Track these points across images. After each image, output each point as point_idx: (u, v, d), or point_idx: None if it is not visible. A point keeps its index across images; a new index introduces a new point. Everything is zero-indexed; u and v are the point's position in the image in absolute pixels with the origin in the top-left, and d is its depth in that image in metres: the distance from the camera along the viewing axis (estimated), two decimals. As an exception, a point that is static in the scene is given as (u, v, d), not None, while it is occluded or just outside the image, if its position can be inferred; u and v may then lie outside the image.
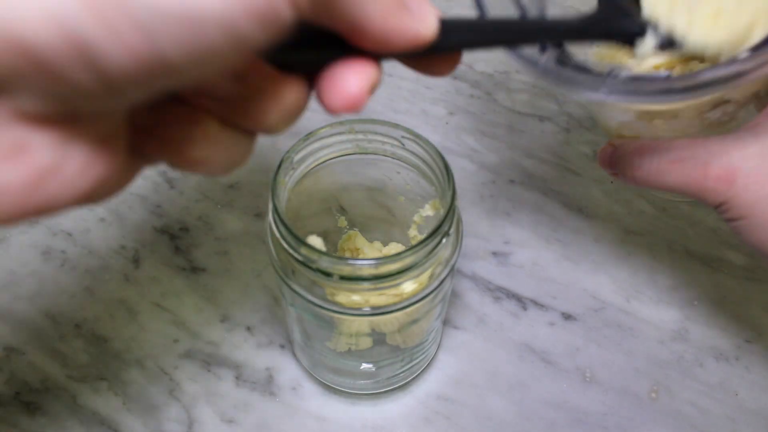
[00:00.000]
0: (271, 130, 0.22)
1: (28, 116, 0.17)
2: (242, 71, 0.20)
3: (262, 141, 0.54)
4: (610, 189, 0.49)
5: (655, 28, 0.30)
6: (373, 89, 0.21)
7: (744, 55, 0.29)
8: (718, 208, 0.31)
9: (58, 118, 0.17)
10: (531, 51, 0.32)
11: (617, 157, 0.35)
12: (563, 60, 0.33)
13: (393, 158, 0.36)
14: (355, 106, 0.21)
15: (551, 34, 0.28)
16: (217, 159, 0.21)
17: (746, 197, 0.30)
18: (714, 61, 0.31)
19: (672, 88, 0.28)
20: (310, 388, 0.41)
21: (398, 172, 0.37)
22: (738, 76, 0.27)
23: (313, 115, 0.56)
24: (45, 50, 0.15)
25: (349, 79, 0.21)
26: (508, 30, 0.26)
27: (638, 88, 0.29)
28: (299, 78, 0.21)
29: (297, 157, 0.34)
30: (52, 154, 0.17)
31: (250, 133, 0.22)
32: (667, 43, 0.30)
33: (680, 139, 0.33)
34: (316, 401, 0.40)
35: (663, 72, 0.32)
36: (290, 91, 0.21)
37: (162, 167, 0.50)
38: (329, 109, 0.21)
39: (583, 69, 0.32)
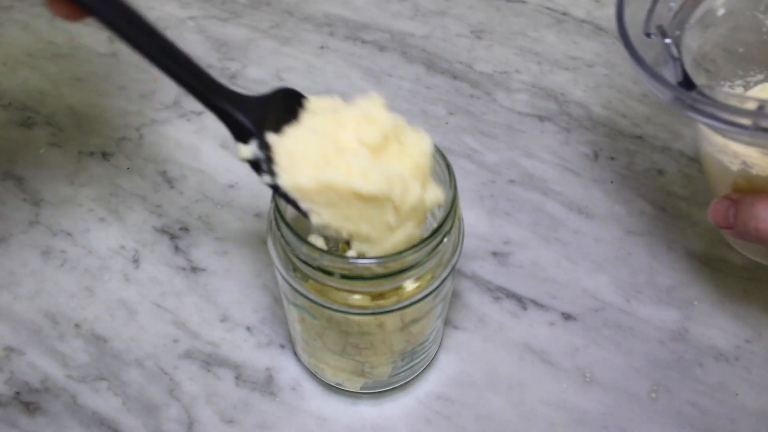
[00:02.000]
0: None
1: None
2: None
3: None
4: (610, 189, 0.50)
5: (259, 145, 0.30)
6: None
7: None
8: None
9: None
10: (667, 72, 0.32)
11: (739, 209, 0.35)
12: (688, 84, 0.33)
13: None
14: None
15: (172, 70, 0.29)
16: None
17: None
18: None
19: None
20: (310, 388, 0.41)
21: (399, 172, 0.37)
22: None
23: (313, 115, 0.56)
24: None
25: None
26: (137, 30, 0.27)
27: None
28: None
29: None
30: None
31: None
32: None
33: None
34: (316, 401, 0.40)
35: None
36: None
37: (162, 167, 0.50)
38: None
39: (719, 103, 0.31)
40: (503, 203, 0.49)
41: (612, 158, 0.51)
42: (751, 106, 0.30)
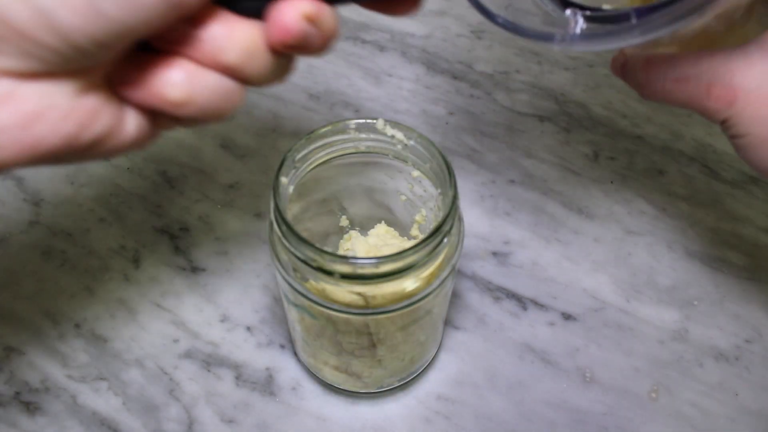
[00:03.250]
0: (239, 73, 0.25)
1: (13, 72, 0.21)
2: (195, 15, 0.23)
3: (262, 141, 0.55)
4: (610, 189, 0.50)
5: None
6: (311, 20, 0.23)
7: None
8: (722, 125, 0.32)
9: (38, 72, 0.22)
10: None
11: (628, 71, 0.35)
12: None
13: (394, 158, 0.36)
14: (289, 34, 0.23)
15: None
16: (199, 100, 0.24)
17: (748, 115, 0.31)
18: None
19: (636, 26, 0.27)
20: (310, 388, 0.41)
21: (399, 171, 0.37)
22: None
23: (313, 115, 0.57)
24: (18, 20, 0.20)
25: (284, 10, 0.23)
26: None
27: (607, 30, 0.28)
28: (249, 18, 0.24)
29: (298, 157, 0.34)
30: (36, 102, 0.22)
31: (229, 77, 0.25)
32: None
33: (686, 54, 0.32)
34: (316, 401, 0.40)
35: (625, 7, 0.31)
36: (240, 30, 0.24)
37: (162, 167, 0.50)
38: (271, 43, 0.24)
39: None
40: (503, 203, 0.49)
41: (612, 158, 0.51)
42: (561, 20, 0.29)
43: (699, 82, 0.31)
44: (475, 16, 0.63)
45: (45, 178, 0.50)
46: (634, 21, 0.27)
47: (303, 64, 0.58)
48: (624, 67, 0.35)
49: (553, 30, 0.29)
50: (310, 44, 0.24)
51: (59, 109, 0.22)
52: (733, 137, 0.32)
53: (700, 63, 0.32)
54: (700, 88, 0.31)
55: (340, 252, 0.40)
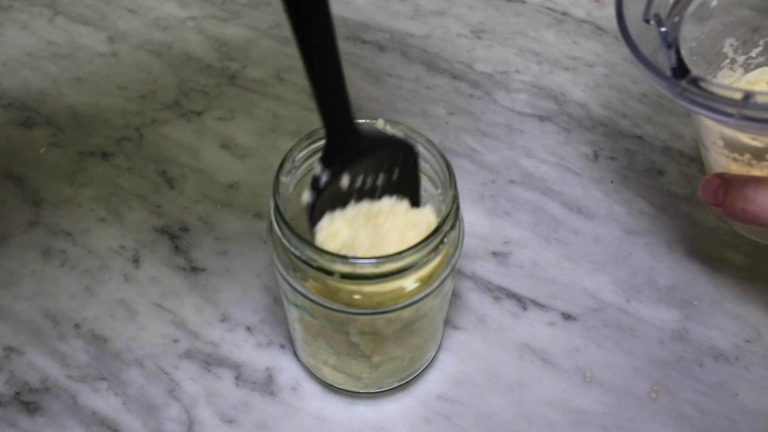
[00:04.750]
0: None
1: None
2: None
3: (262, 141, 0.55)
4: (610, 189, 0.50)
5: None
6: None
7: None
8: None
9: None
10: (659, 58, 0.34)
11: (729, 188, 0.36)
12: (681, 72, 0.34)
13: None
14: None
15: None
16: None
17: None
18: None
19: None
20: (310, 388, 0.41)
21: (399, 172, 0.37)
22: None
23: (313, 115, 0.57)
24: None
25: None
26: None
27: None
28: None
29: (298, 157, 0.34)
30: None
31: None
32: None
33: None
34: (316, 401, 0.40)
35: None
36: None
37: (162, 167, 0.50)
38: None
39: (708, 92, 0.32)
40: (503, 203, 0.49)
41: (612, 158, 0.51)
42: (737, 96, 0.31)
43: None
44: (476, 16, 0.63)
45: (45, 178, 0.50)
46: None
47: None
48: (721, 187, 0.37)
49: (733, 110, 0.31)
50: None
51: None
52: None
53: None
54: None
55: None
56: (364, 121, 0.34)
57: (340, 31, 0.60)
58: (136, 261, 0.46)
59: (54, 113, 0.54)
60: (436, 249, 0.31)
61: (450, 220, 0.31)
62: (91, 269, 0.45)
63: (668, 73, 0.34)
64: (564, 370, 0.41)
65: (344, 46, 0.59)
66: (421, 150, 0.35)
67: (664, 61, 0.35)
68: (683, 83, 0.33)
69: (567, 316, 0.43)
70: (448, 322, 0.43)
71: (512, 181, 0.50)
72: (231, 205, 0.49)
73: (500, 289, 0.45)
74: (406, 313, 0.33)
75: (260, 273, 0.45)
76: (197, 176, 0.50)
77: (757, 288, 0.45)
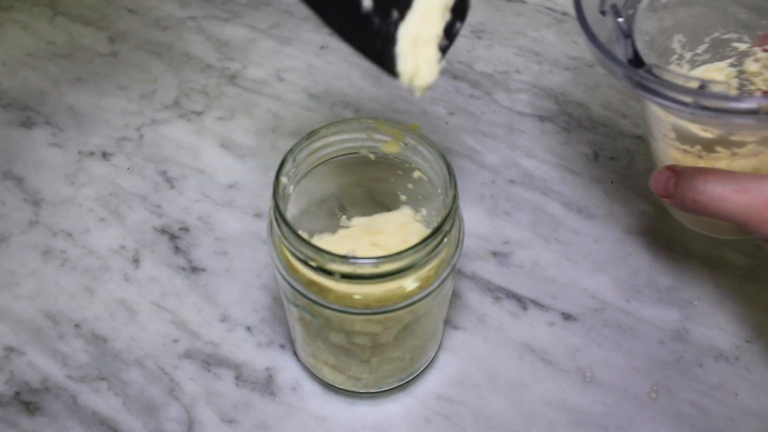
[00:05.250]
0: None
1: None
2: None
3: (262, 141, 0.55)
4: (610, 189, 0.50)
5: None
6: None
7: None
8: None
9: None
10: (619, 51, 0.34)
11: (679, 179, 0.36)
12: (637, 62, 0.35)
13: (394, 157, 0.36)
14: None
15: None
16: None
17: None
18: None
19: (765, 109, 0.29)
20: (310, 388, 0.41)
21: (400, 172, 0.37)
22: None
23: (313, 115, 0.57)
24: None
25: None
26: None
27: (729, 105, 0.30)
28: None
29: (298, 157, 0.34)
30: None
31: None
32: None
33: (747, 173, 0.34)
34: (316, 401, 0.40)
35: (757, 95, 0.33)
36: None
37: (162, 167, 0.50)
38: None
39: (662, 78, 0.33)
40: (503, 203, 0.49)
41: (612, 158, 0.51)
42: (693, 85, 0.32)
43: (759, 194, 0.33)
44: (476, 16, 0.63)
45: (45, 178, 0.50)
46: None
47: (303, 64, 0.58)
48: (671, 179, 0.37)
49: (689, 99, 0.31)
50: None
51: None
52: None
53: (761, 180, 0.33)
54: (759, 199, 0.33)
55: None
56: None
57: (340, 31, 0.60)
58: (136, 261, 0.46)
59: (54, 113, 0.54)
60: (436, 249, 0.31)
61: (450, 220, 0.31)
62: (91, 269, 0.45)
63: (624, 62, 0.35)
64: (564, 370, 0.41)
65: (344, 46, 0.59)
66: (421, 150, 0.35)
67: (621, 51, 0.36)
68: (641, 72, 0.33)
69: (567, 316, 0.43)
70: (448, 322, 0.43)
71: (512, 181, 0.50)
72: (231, 205, 0.49)
73: (500, 289, 0.45)
74: (406, 313, 0.33)
75: (260, 273, 0.45)
76: (197, 176, 0.50)
77: (757, 288, 0.45)
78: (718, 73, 0.43)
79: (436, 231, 0.31)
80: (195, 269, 0.45)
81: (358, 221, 0.38)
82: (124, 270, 0.45)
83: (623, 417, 0.40)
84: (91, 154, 0.52)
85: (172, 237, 0.47)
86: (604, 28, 0.36)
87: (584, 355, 0.42)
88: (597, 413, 0.40)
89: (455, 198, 0.32)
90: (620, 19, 0.37)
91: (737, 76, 0.43)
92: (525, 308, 0.44)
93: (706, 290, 0.45)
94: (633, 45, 0.36)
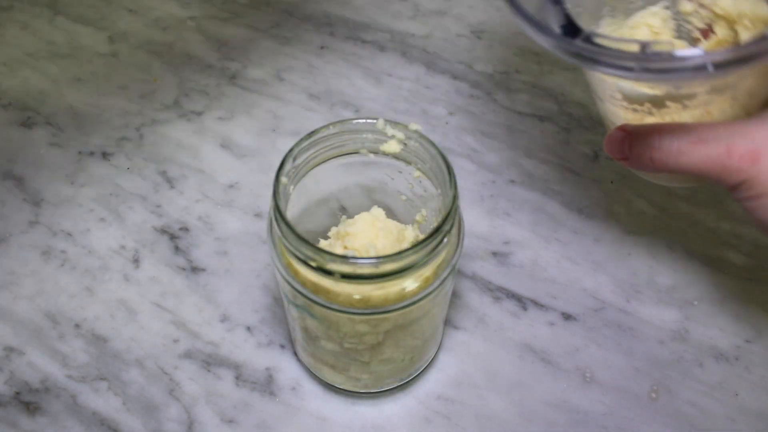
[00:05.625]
0: None
1: None
2: None
3: (262, 141, 0.55)
4: (610, 189, 0.50)
5: None
6: None
7: None
8: (738, 187, 0.32)
9: None
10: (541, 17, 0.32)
11: (633, 139, 0.35)
12: (572, 30, 0.32)
13: (394, 158, 0.36)
14: None
15: None
16: None
17: None
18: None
19: (711, 62, 0.28)
20: (310, 388, 0.41)
21: (400, 172, 0.37)
22: None
23: (313, 115, 0.57)
24: None
25: None
26: None
27: (675, 65, 0.28)
28: None
29: (298, 157, 0.34)
30: None
31: None
32: None
33: (701, 123, 0.33)
34: (316, 401, 0.40)
35: (697, 49, 0.31)
36: None
37: (162, 167, 0.50)
38: None
39: (601, 45, 0.31)
40: (503, 203, 0.49)
41: (612, 158, 0.51)
42: (634, 48, 0.30)
43: (718, 143, 0.32)
44: (476, 16, 0.63)
45: (45, 178, 0.50)
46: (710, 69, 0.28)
47: (303, 64, 0.58)
48: (626, 139, 0.35)
49: (632, 64, 0.29)
50: None
51: None
52: (749, 199, 0.32)
53: (717, 128, 0.32)
54: (719, 148, 0.32)
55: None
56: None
57: (340, 31, 0.60)
58: (136, 261, 0.46)
59: (54, 113, 0.54)
60: (436, 249, 0.31)
61: (450, 220, 0.31)
62: (91, 269, 0.45)
63: (557, 31, 0.32)
64: (564, 370, 0.41)
65: (344, 46, 0.59)
66: (421, 150, 0.35)
67: (551, 19, 0.33)
68: (578, 42, 0.31)
69: (567, 316, 0.43)
70: (448, 322, 0.43)
71: (512, 181, 0.50)
72: (231, 205, 0.49)
73: (500, 289, 0.45)
74: (406, 313, 0.33)
75: (260, 273, 0.45)
76: (197, 176, 0.50)
77: (757, 288, 0.45)
78: (653, 18, 0.41)
79: (436, 231, 0.31)
80: (195, 269, 0.45)
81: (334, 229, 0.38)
82: (124, 270, 0.45)
83: (623, 417, 0.40)
84: (91, 154, 0.52)
85: (172, 237, 0.47)
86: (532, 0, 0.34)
87: (584, 355, 0.42)
88: (597, 413, 0.40)
89: (455, 198, 0.32)
90: None
91: (674, 18, 0.41)
92: (525, 308, 0.44)
93: (706, 290, 0.45)
94: (564, 10, 0.33)
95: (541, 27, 0.32)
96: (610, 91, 0.38)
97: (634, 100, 0.38)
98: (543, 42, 0.32)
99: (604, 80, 0.38)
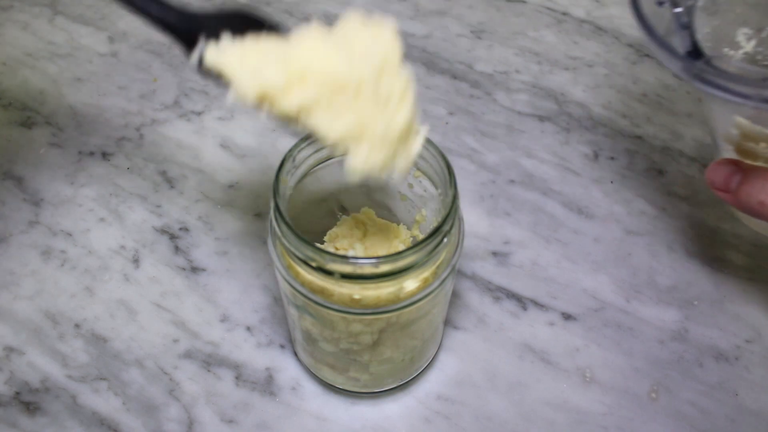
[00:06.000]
0: None
1: None
2: None
3: (262, 141, 0.55)
4: (610, 189, 0.50)
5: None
6: None
7: None
8: None
9: None
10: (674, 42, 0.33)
11: (745, 176, 0.34)
12: (696, 54, 0.33)
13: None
14: None
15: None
16: None
17: None
18: None
19: None
20: (310, 388, 0.41)
21: (399, 172, 0.37)
22: None
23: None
24: None
25: None
26: None
27: None
28: None
29: (299, 157, 0.34)
30: None
31: None
32: None
33: None
34: (316, 401, 0.40)
35: None
36: None
37: (162, 167, 0.50)
38: None
39: (725, 72, 0.31)
40: (503, 203, 0.49)
41: (612, 158, 0.51)
42: (756, 76, 0.30)
43: None
44: (476, 16, 0.63)
45: (45, 178, 0.50)
46: None
47: (303, 64, 0.58)
48: (733, 175, 0.35)
49: (751, 91, 0.30)
50: None
51: None
52: None
53: None
54: None
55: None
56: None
57: (340, 31, 0.60)
58: (136, 261, 0.46)
59: (54, 113, 0.54)
60: (436, 249, 0.31)
61: (450, 220, 0.31)
62: (91, 269, 0.45)
63: (683, 54, 0.33)
64: (564, 370, 0.41)
65: (344, 46, 0.59)
66: (421, 150, 0.34)
67: (679, 43, 0.34)
68: (699, 63, 0.32)
69: (567, 316, 0.43)
70: (448, 322, 0.43)
71: (512, 181, 0.50)
72: (231, 205, 0.49)
73: (500, 289, 0.45)
74: (406, 313, 0.33)
75: (260, 273, 0.45)
76: (197, 176, 0.50)
77: (757, 288, 0.45)
78: None
79: (436, 231, 0.31)
80: (195, 269, 0.45)
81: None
82: (124, 270, 0.45)
83: (623, 417, 0.40)
84: (91, 154, 0.52)
85: (172, 237, 0.47)
86: (661, 19, 0.35)
87: (584, 355, 0.42)
88: (597, 413, 0.40)
89: (455, 198, 0.32)
90: (678, 9, 0.35)
91: None
92: (525, 308, 0.44)
93: (706, 290, 0.45)
94: (692, 36, 0.34)
95: (668, 47, 0.32)
96: (728, 125, 0.38)
97: (750, 137, 0.37)
98: (667, 62, 0.32)
99: (722, 113, 0.38)
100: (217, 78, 0.29)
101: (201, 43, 0.29)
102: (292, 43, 0.29)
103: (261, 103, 0.28)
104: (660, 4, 0.36)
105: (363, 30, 0.29)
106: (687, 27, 0.35)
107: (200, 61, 0.29)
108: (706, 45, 0.35)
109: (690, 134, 0.53)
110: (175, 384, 0.41)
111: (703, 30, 0.38)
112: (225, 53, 0.28)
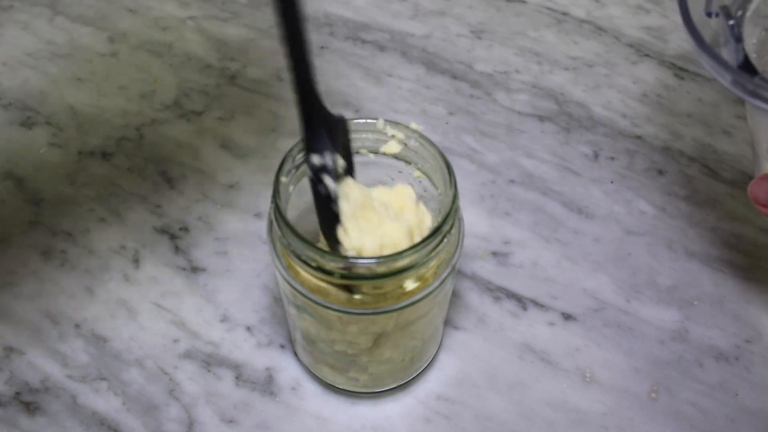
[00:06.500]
0: None
1: None
2: None
3: (262, 141, 0.55)
4: (610, 189, 0.50)
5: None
6: None
7: None
8: None
9: None
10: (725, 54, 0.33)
11: None
12: (748, 68, 0.33)
13: (394, 158, 0.36)
14: None
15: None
16: None
17: None
18: None
19: None
20: (310, 388, 0.41)
21: (400, 171, 0.37)
22: None
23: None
24: None
25: None
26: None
27: None
28: None
29: (298, 157, 0.34)
30: None
31: None
32: None
33: None
34: (316, 401, 0.40)
35: None
36: None
37: (162, 167, 0.50)
38: None
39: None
40: (503, 203, 0.49)
41: (612, 158, 0.51)
42: None
43: None
44: (476, 16, 0.63)
45: (45, 178, 0.50)
46: None
47: (303, 64, 0.58)
48: None
49: None
50: None
51: None
52: None
53: None
54: None
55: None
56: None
57: (340, 31, 0.60)
58: (136, 261, 0.46)
59: (54, 113, 0.54)
60: (436, 249, 0.31)
61: (450, 220, 0.31)
62: (91, 269, 0.45)
63: (734, 67, 0.33)
64: (564, 370, 0.41)
65: (344, 46, 0.59)
66: (421, 150, 0.35)
67: (729, 55, 0.34)
68: (756, 80, 0.31)
69: (567, 316, 0.43)
70: (448, 322, 0.43)
71: (512, 181, 0.50)
72: (231, 205, 0.49)
73: (500, 289, 0.45)
74: (406, 313, 0.33)
75: (260, 273, 0.45)
76: (197, 176, 0.50)
77: (757, 288, 0.45)
78: None
79: (436, 231, 0.31)
80: (195, 269, 0.45)
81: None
82: (124, 270, 0.45)
83: (623, 417, 0.40)
84: (91, 154, 0.52)
85: (172, 237, 0.47)
86: (709, 29, 0.34)
87: (584, 355, 0.42)
88: (597, 413, 0.40)
89: (455, 198, 0.32)
90: (731, 21, 0.34)
91: None
92: (525, 308, 0.44)
93: (706, 290, 0.45)
94: (743, 49, 0.34)
95: (720, 60, 0.32)
96: None
97: None
98: (719, 76, 0.32)
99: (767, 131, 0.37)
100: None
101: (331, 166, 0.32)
102: (379, 211, 0.33)
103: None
104: (709, 15, 0.35)
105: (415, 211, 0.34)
106: (739, 40, 0.34)
107: (313, 165, 0.31)
108: (751, 56, 0.34)
109: (690, 134, 0.53)
110: (175, 384, 0.41)
111: (751, 41, 0.37)
112: (344, 201, 0.32)
